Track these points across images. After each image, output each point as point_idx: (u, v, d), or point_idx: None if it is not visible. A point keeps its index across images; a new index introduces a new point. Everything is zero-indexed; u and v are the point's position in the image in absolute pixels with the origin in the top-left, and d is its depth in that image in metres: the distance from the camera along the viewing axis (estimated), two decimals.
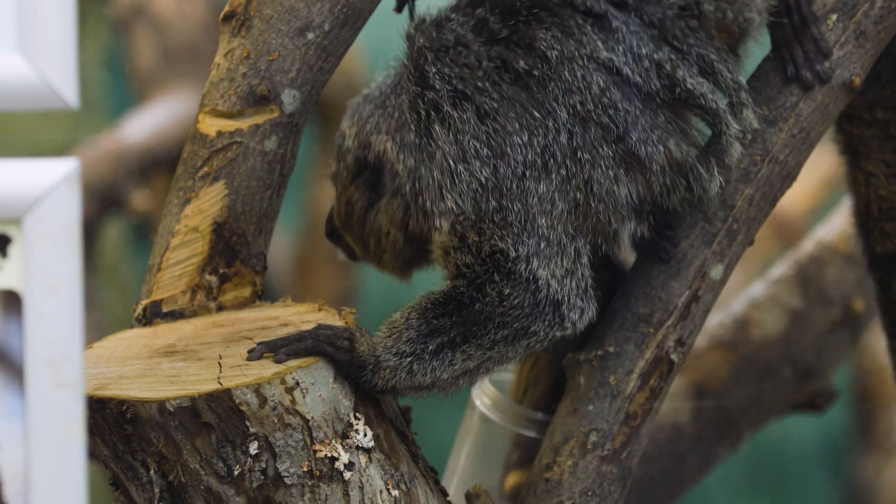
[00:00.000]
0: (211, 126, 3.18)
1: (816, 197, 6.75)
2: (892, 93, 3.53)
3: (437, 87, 3.06)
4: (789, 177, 3.31)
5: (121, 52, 7.38)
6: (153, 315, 3.16)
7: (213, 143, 3.18)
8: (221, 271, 3.17)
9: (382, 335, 3.00)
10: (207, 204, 3.17)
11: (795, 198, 6.36)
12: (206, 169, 3.18)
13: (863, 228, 3.71)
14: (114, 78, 7.83)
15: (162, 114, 6.61)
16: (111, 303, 6.94)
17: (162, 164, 6.42)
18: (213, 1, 7.04)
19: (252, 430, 2.81)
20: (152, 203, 6.54)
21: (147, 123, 6.57)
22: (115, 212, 6.51)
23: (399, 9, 3.46)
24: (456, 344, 2.96)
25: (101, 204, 6.37)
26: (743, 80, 3.20)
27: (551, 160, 2.99)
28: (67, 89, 2.23)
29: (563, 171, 3.00)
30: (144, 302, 3.18)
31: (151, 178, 6.64)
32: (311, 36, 3.19)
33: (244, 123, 3.17)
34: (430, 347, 2.95)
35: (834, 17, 3.32)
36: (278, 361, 2.86)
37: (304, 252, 7.69)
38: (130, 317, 3.22)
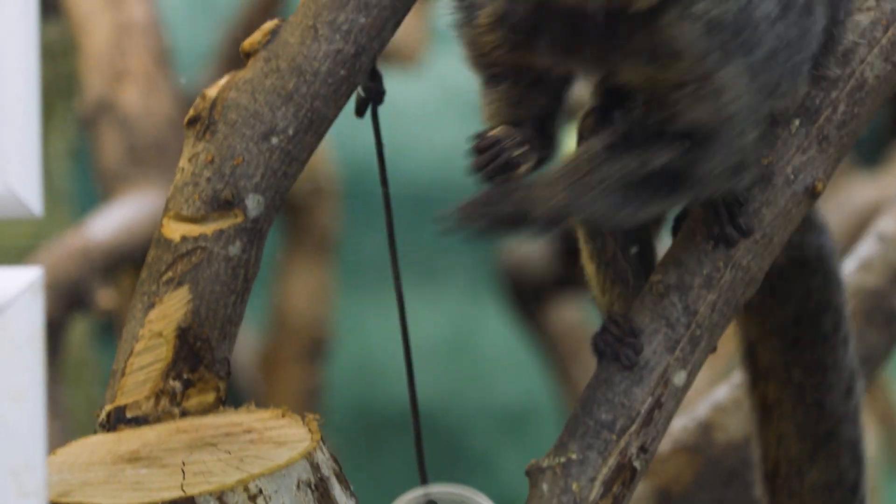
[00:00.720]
0: (175, 230, 3.19)
1: None
2: (811, 355, 3.59)
3: None
4: (752, 282, 3.33)
5: (87, 149, 7.41)
6: (117, 421, 3.15)
7: (177, 247, 3.18)
8: (185, 377, 3.16)
9: None
10: (171, 309, 3.17)
11: None
12: (170, 274, 3.18)
13: (769, 487, 3.74)
14: (80, 174, 7.85)
15: (128, 211, 6.61)
16: (76, 407, 6.91)
17: (128, 262, 6.43)
18: (181, 97, 7.07)
19: None
20: (118, 301, 6.53)
21: (113, 221, 6.57)
22: (81, 310, 6.49)
23: (360, 113, 3.50)
24: None
25: (66, 302, 6.36)
26: None
27: None
28: (31, 198, 2.24)
29: None
30: (108, 407, 3.17)
31: (117, 275, 6.64)
32: (275, 141, 3.21)
33: (208, 228, 3.17)
34: None
35: (797, 122, 3.37)
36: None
37: (269, 349, 7.69)
38: (94, 422, 3.21)
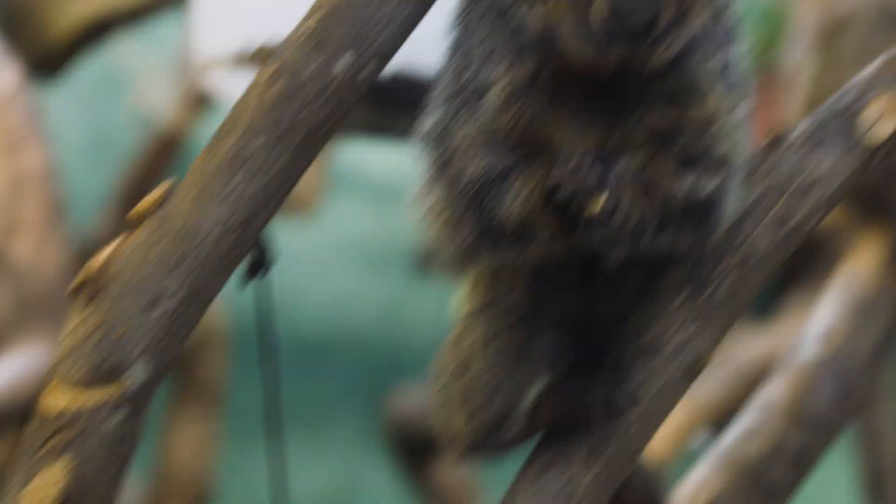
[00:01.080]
0: (57, 399, 3.14)
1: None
2: None
3: None
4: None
5: None
6: None
7: (58, 417, 3.13)
8: None
9: None
10: (50, 481, 3.10)
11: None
12: (50, 445, 3.12)
13: None
14: None
15: (17, 365, 6.49)
16: None
17: (14, 418, 6.29)
18: (75, 247, 7.00)
19: None
20: (3, 456, 6.38)
21: (1, 375, 6.44)
22: None
23: (249, 279, 3.50)
24: None
25: None
26: None
27: None
28: None
29: None
30: None
31: (3, 431, 6.49)
32: (162, 308, 3.18)
33: (92, 398, 3.13)
34: None
35: (683, 293, 3.39)
36: None
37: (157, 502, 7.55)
38: None
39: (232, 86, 4.25)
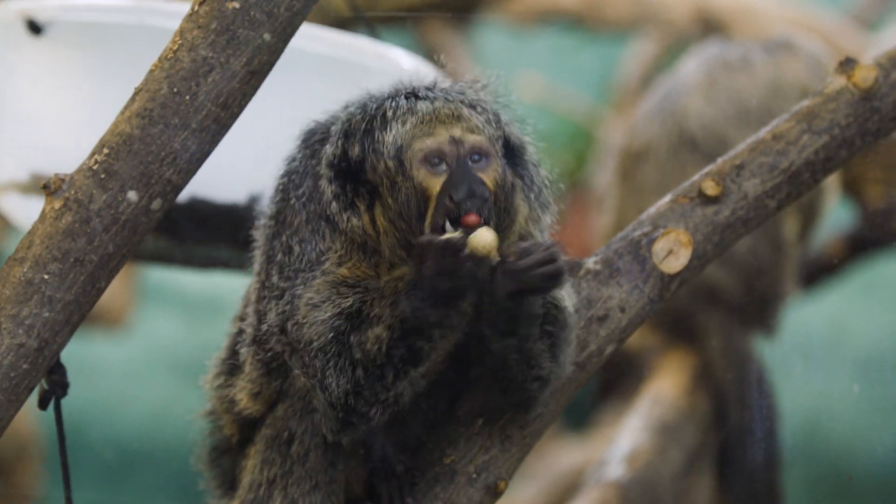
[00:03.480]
0: None
1: None
2: None
3: None
4: None
5: None
6: None
7: None
8: None
9: None
10: None
11: None
12: None
13: None
14: None
15: None
16: None
17: None
18: None
19: None
20: None
21: None
22: None
23: (43, 406, 3.47)
24: None
25: None
26: None
27: None
28: None
29: None
30: None
31: None
32: None
33: None
34: None
35: (480, 420, 3.43)
36: None
37: None
38: None
39: (23, 210, 4.23)
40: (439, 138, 3.32)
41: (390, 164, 3.31)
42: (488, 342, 3.29)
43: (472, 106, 3.40)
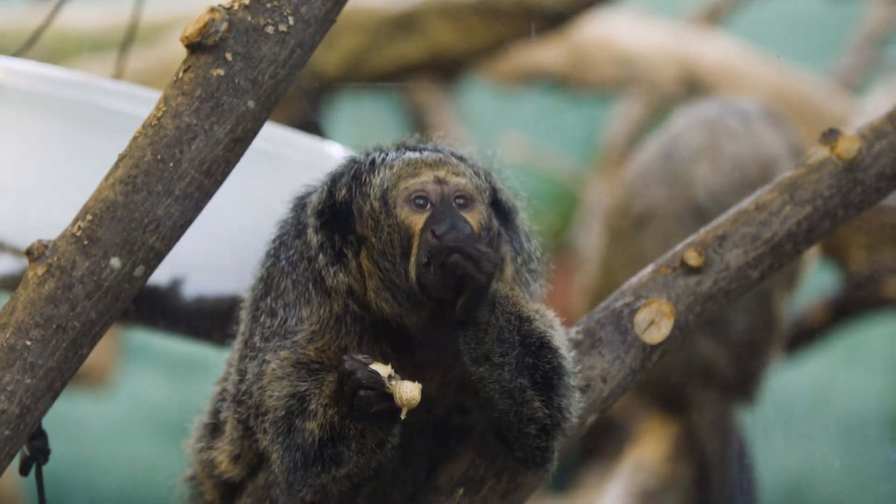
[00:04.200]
0: None
1: None
2: None
3: None
4: None
5: None
6: None
7: None
8: None
9: None
10: None
11: None
12: None
13: None
14: None
15: None
16: None
17: None
18: None
19: None
20: None
21: None
22: None
23: (24, 472, 3.46)
24: None
25: None
26: None
27: None
28: None
29: None
30: None
31: None
32: None
33: None
34: None
35: (461, 490, 3.41)
36: None
37: None
38: None
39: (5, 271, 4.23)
40: (423, 178, 3.35)
41: (376, 204, 3.34)
42: (469, 373, 3.30)
43: (460, 158, 3.44)
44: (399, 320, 3.34)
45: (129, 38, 4.87)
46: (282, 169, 4.17)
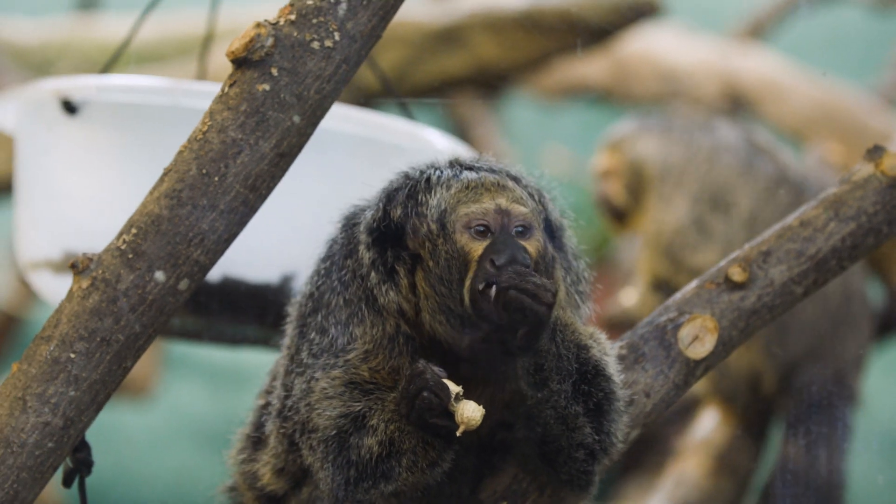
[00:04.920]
0: None
1: None
2: None
3: None
4: None
5: None
6: None
7: None
8: None
9: None
10: None
11: None
12: None
13: None
14: None
15: None
16: None
17: None
18: None
19: None
20: None
21: None
22: None
23: (68, 484, 3.47)
24: None
25: None
26: None
27: None
28: None
29: None
30: None
31: None
32: None
33: None
34: None
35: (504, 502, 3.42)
36: None
37: None
38: None
39: (54, 287, 4.25)
40: (485, 205, 3.35)
41: (433, 226, 3.34)
42: (527, 399, 3.32)
43: (515, 179, 3.44)
44: (452, 342, 3.35)
45: (206, 44, 4.88)
46: (382, 155, 4.17)
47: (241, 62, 3.26)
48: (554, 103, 8.82)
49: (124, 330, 3.23)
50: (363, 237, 3.39)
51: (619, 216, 6.16)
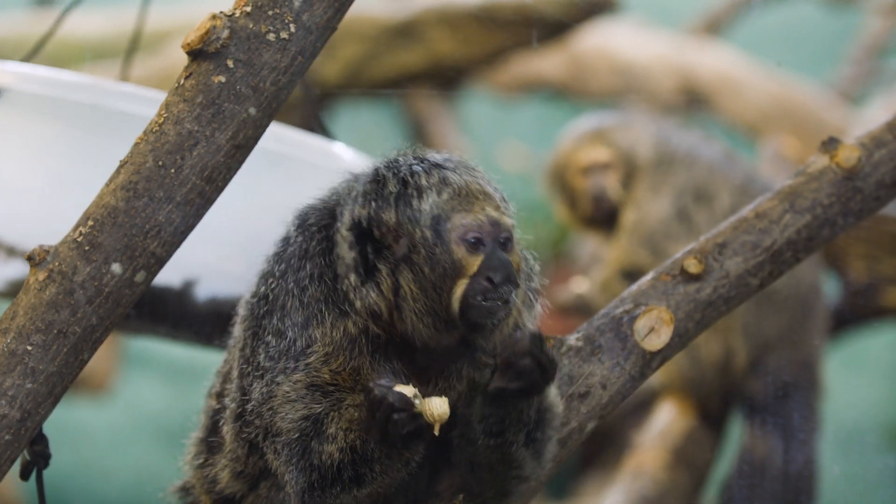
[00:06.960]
0: None
1: None
2: None
3: None
4: None
5: None
6: None
7: None
8: None
9: None
10: None
11: None
12: None
13: None
14: None
15: None
16: None
17: None
18: None
19: None
20: None
21: None
22: None
23: (25, 477, 3.45)
24: None
25: None
26: None
27: None
28: None
29: None
30: None
31: None
32: None
33: None
34: None
35: (461, 496, 3.42)
36: None
37: None
38: None
39: (5, 277, 4.24)
40: (479, 217, 3.37)
41: (428, 233, 3.35)
42: (473, 437, 3.33)
43: (490, 184, 3.46)
44: (430, 342, 3.36)
45: (133, 45, 4.87)
46: (292, 171, 4.17)
47: (197, 54, 3.25)
48: (510, 99, 8.84)
49: (81, 322, 3.22)
50: (345, 234, 3.38)
51: (609, 215, 6.06)
